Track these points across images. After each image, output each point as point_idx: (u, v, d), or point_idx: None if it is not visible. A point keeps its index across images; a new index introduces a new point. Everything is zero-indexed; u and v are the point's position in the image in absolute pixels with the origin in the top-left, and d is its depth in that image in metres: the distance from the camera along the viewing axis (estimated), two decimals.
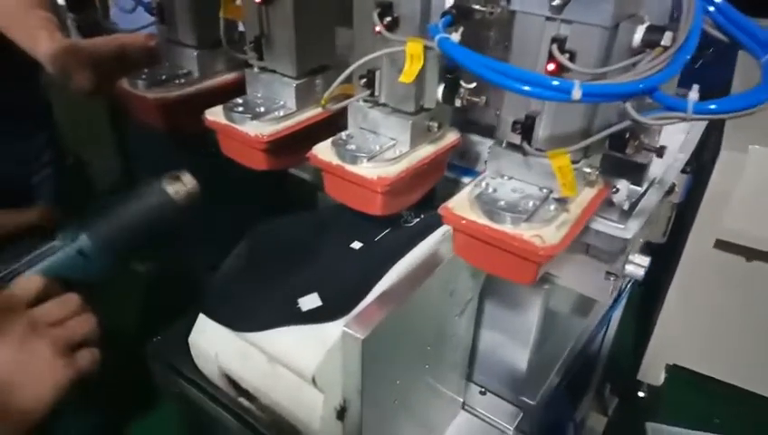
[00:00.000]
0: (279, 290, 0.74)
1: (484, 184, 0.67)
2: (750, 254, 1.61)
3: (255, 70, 0.82)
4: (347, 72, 0.66)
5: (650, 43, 0.56)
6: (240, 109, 0.79)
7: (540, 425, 1.11)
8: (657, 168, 0.88)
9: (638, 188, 0.83)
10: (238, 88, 0.91)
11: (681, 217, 1.55)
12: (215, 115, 0.81)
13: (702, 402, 1.83)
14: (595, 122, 0.62)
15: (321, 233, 0.82)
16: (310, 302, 0.70)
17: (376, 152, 0.72)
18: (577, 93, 0.49)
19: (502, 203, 0.63)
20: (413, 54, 0.59)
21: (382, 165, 0.71)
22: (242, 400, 0.85)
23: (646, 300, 1.85)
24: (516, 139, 0.64)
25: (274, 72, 0.81)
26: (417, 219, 0.85)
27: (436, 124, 0.75)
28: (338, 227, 0.82)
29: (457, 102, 0.72)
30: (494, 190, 0.65)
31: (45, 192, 1.19)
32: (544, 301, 0.98)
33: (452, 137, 0.79)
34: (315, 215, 0.87)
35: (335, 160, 0.72)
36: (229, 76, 0.92)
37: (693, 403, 1.84)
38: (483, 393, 1.06)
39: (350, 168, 0.71)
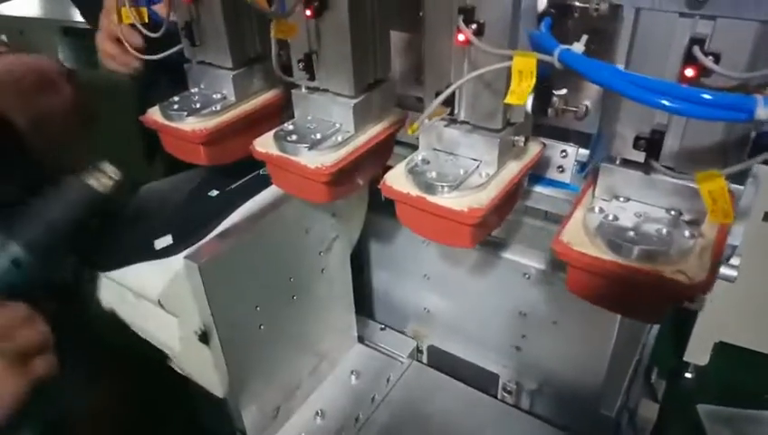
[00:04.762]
0: (140, 235, 0.81)
1: (598, 209, 0.58)
2: None
3: (303, 90, 0.72)
4: (441, 97, 0.55)
5: None
6: (293, 137, 0.69)
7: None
8: None
9: (740, 187, 0.75)
10: (279, 108, 0.82)
11: None
12: (265, 146, 0.71)
13: (750, 379, 1.77)
14: (733, 132, 0.53)
15: (186, 187, 0.89)
16: (163, 242, 0.78)
17: (461, 178, 0.62)
18: (763, 113, 0.40)
19: (631, 234, 0.54)
20: (522, 71, 0.50)
21: (470, 193, 0.62)
22: None
23: None
24: (639, 156, 0.55)
25: (327, 91, 0.70)
26: None
27: (522, 139, 0.65)
28: (200, 179, 0.89)
29: (550, 113, 0.63)
30: (615, 217, 0.56)
31: None
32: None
33: (535, 148, 0.70)
34: (188, 174, 0.92)
35: (414, 191, 0.63)
36: (268, 96, 0.81)
37: (741, 380, 1.78)
38: (383, 329, 1.14)
39: (433, 199, 0.62)
